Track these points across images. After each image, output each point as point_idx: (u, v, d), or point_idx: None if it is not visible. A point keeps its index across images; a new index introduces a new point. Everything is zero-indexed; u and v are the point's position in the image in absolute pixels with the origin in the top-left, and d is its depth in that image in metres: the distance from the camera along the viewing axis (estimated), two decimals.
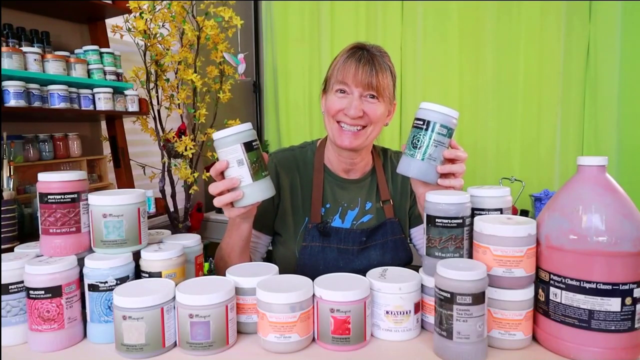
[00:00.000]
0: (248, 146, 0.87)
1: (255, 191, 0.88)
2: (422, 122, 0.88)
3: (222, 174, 0.89)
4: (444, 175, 0.89)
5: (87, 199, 0.83)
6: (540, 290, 0.76)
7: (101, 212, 0.80)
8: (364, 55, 1.06)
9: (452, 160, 0.89)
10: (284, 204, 1.15)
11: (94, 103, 1.82)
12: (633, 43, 2.01)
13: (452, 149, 0.89)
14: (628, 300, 0.68)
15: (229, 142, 0.86)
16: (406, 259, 1.15)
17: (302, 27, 2.85)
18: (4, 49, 1.54)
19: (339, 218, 1.14)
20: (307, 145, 1.23)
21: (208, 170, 1.04)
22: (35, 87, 1.62)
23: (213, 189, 0.88)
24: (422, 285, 0.81)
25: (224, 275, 0.84)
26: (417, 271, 0.83)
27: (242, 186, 0.87)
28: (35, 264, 0.77)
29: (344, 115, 1.06)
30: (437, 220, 0.78)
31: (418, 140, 0.88)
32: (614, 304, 0.68)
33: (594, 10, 2.14)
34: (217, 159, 0.90)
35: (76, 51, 1.85)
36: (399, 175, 1.18)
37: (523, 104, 2.33)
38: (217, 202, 0.89)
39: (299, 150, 1.21)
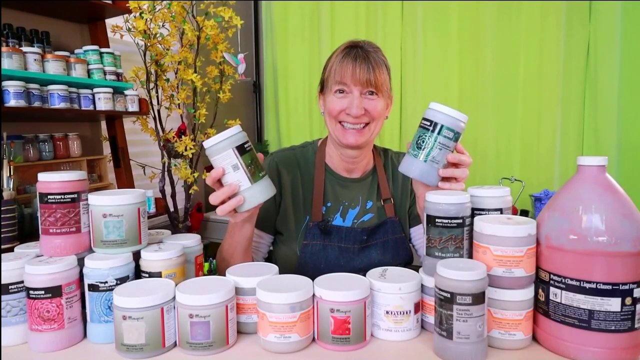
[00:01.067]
0: (241, 149, 0.85)
1: (255, 193, 0.87)
2: (429, 123, 0.86)
3: (219, 182, 0.88)
4: (445, 179, 0.88)
5: (87, 199, 0.83)
6: (540, 290, 0.76)
7: (101, 212, 0.80)
8: (359, 53, 1.06)
9: (455, 164, 0.88)
10: (286, 202, 1.15)
11: (94, 103, 1.82)
12: (633, 43, 2.01)
13: (457, 154, 0.88)
14: (628, 300, 0.68)
15: (221, 149, 0.84)
16: (407, 258, 1.15)
17: (302, 27, 2.85)
18: (4, 49, 1.54)
19: (340, 217, 1.14)
20: (308, 144, 1.23)
21: (208, 171, 1.04)
22: (35, 87, 1.62)
23: (214, 199, 0.87)
24: (422, 285, 0.81)
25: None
26: (417, 271, 0.83)
27: (241, 191, 0.86)
28: (35, 264, 0.77)
29: (346, 115, 1.06)
30: (437, 220, 0.78)
31: (423, 141, 0.86)
32: (614, 304, 0.68)
33: (594, 10, 2.14)
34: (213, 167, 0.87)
35: (76, 51, 1.84)
36: (400, 175, 1.18)
37: (523, 104, 2.33)
38: (220, 211, 0.87)
39: (299, 150, 1.21)
